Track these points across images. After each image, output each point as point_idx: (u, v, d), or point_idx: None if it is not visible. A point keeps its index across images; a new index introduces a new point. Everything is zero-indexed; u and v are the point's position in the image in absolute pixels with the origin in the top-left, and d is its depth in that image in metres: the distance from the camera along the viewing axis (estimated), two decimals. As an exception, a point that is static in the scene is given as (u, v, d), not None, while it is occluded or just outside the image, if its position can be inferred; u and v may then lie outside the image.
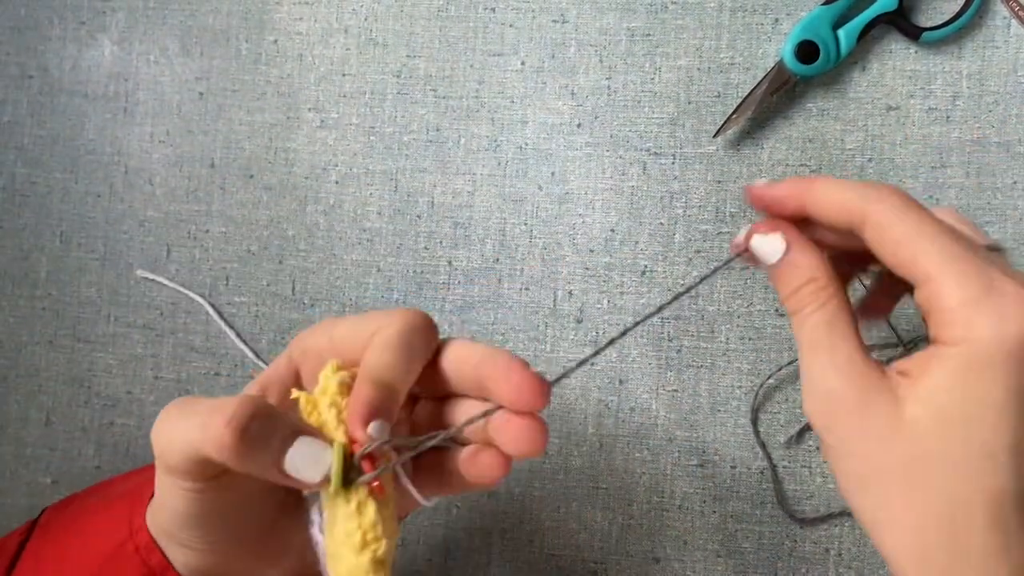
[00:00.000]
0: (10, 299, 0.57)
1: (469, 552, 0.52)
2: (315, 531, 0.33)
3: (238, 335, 0.55)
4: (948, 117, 0.50)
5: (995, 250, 0.32)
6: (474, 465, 0.34)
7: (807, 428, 0.50)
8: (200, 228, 0.56)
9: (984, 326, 0.28)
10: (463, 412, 0.35)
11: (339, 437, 0.32)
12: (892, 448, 0.29)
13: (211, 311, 0.55)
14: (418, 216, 0.54)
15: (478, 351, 0.34)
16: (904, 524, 0.29)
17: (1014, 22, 0.50)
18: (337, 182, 0.55)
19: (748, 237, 0.34)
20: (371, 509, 0.31)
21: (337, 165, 0.55)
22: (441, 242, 0.54)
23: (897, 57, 0.51)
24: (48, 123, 0.58)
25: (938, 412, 0.29)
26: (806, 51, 0.49)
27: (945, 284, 0.29)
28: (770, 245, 0.33)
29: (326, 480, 0.31)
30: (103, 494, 0.41)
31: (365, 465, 0.31)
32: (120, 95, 0.57)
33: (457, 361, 0.34)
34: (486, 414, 0.33)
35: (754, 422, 0.50)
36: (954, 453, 0.29)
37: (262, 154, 0.56)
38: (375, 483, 0.31)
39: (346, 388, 0.33)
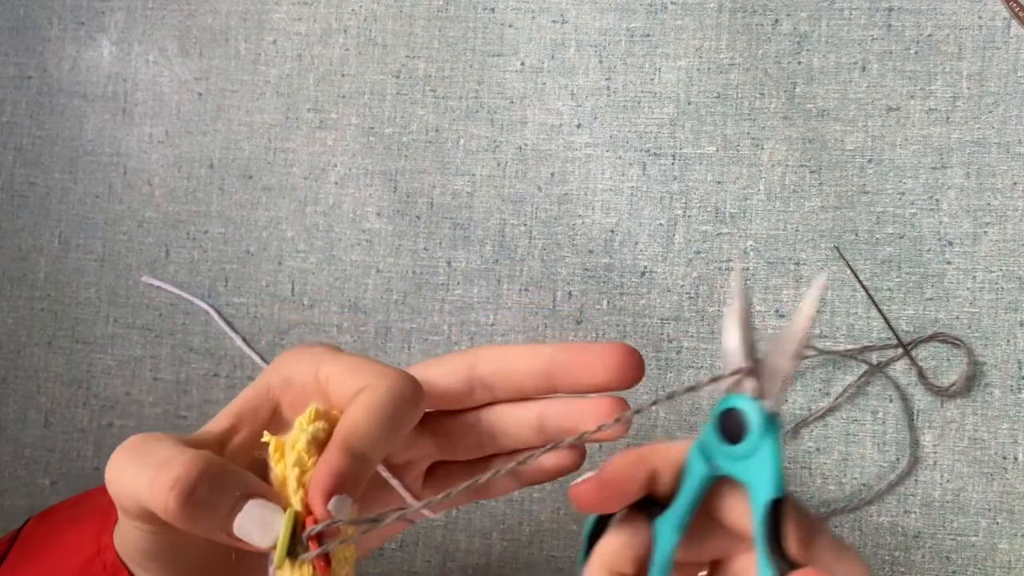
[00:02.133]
0: (9, 300, 0.57)
1: (468, 553, 0.52)
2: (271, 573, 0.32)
3: (243, 340, 0.55)
4: (948, 118, 0.50)
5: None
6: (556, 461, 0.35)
7: (804, 426, 0.50)
8: (199, 229, 0.56)
9: None
10: (496, 418, 0.35)
11: (296, 501, 0.30)
12: None
13: (215, 316, 0.55)
14: (417, 217, 0.54)
15: (543, 348, 0.34)
16: None
17: (1014, 22, 0.50)
18: (336, 183, 0.55)
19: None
20: None
21: (336, 166, 0.55)
22: (440, 243, 0.54)
23: (897, 57, 0.51)
24: (47, 124, 0.58)
25: None
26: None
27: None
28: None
29: (275, 547, 0.30)
30: (79, 508, 0.40)
31: (313, 544, 0.30)
32: (119, 96, 0.57)
33: (507, 366, 0.34)
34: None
35: (754, 423, 0.50)
36: None
37: (261, 155, 0.56)
38: (320, 562, 0.30)
39: (317, 444, 0.31)
